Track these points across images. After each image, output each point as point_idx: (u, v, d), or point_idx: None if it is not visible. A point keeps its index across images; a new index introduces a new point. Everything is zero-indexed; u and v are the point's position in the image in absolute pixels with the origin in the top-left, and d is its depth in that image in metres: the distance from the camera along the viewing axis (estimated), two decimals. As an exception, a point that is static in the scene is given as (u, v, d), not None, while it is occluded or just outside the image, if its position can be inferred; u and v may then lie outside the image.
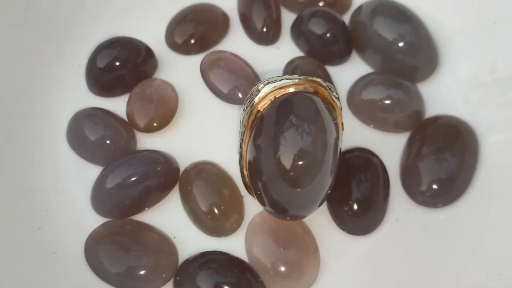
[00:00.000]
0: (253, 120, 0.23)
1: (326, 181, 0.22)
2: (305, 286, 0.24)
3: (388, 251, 0.25)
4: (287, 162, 0.21)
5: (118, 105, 0.29)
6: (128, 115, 0.28)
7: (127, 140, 0.27)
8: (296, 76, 0.23)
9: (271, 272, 0.24)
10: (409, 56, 0.29)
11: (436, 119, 0.28)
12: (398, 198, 0.26)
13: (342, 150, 0.27)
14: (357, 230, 0.25)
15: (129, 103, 0.28)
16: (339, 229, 0.26)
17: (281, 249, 0.24)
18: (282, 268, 0.24)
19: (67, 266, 0.24)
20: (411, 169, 0.26)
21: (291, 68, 0.29)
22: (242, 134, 0.24)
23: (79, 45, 0.30)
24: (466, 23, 0.29)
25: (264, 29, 0.31)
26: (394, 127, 0.28)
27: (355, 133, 0.28)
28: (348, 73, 0.30)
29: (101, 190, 0.25)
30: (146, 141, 0.28)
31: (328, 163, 0.22)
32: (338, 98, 0.24)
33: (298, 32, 0.31)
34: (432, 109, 0.28)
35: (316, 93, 0.23)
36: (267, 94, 0.23)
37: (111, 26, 0.31)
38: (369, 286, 0.24)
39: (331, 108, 0.23)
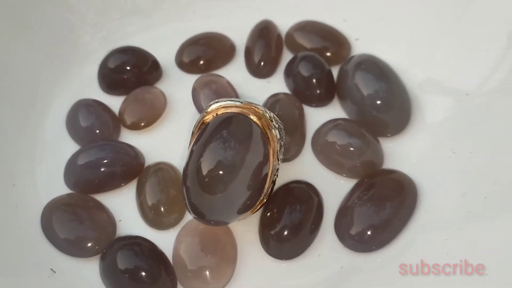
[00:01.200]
0: (195, 132, 0.26)
1: (241, 193, 0.24)
2: (213, 290, 0.26)
3: (300, 281, 0.26)
4: (205, 169, 0.24)
5: (116, 102, 0.33)
6: (120, 111, 0.32)
7: (112, 132, 0.31)
8: (239, 100, 0.26)
9: (188, 273, 0.26)
10: (381, 112, 0.30)
11: (388, 172, 0.29)
12: (329, 237, 0.28)
13: (292, 180, 0.29)
14: (277, 254, 0.27)
15: (124, 101, 0.33)
16: (262, 249, 0.27)
17: (203, 253, 0.27)
18: (198, 270, 0.26)
19: (24, 220, 0.28)
20: (346, 212, 0.28)
21: (272, 100, 0.32)
22: (190, 143, 0.27)
23: (103, 48, 0.35)
24: (442, 89, 0.30)
25: (262, 63, 0.34)
26: (348, 172, 0.30)
27: (311, 170, 0.30)
28: (325, 116, 0.32)
29: (73, 165, 0.30)
30: (128, 137, 0.32)
31: (244, 179, 0.24)
32: (278, 129, 0.26)
33: (290, 71, 0.33)
34: (391, 164, 0.30)
35: (245, 113, 0.26)
36: (213, 111, 0.26)
37: (135, 39, 0.36)
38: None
39: (265, 136, 0.26)
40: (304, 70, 0.33)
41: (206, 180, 0.24)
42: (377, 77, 0.31)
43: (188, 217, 0.29)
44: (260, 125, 0.26)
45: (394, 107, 0.30)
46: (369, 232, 0.27)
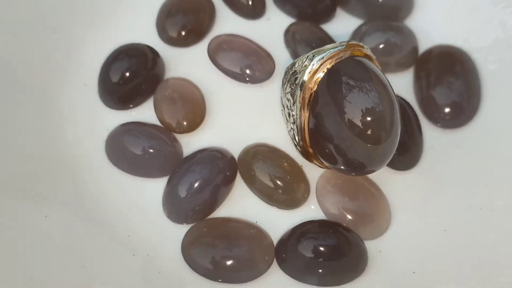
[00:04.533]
0: (310, 94, 0.24)
1: (398, 132, 0.24)
2: (385, 226, 0.27)
3: (440, 176, 0.28)
4: (359, 122, 0.22)
5: (140, 114, 0.29)
6: (161, 120, 0.28)
7: (173, 145, 0.28)
8: (338, 43, 0.25)
9: (354, 223, 0.26)
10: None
11: (430, 51, 0.31)
12: (424, 127, 0.29)
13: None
14: (403, 165, 0.28)
15: (156, 108, 0.28)
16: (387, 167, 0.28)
17: (353, 201, 0.27)
18: (361, 216, 0.26)
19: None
20: (428, 99, 0.29)
21: (290, 36, 0.31)
22: (298, 110, 0.25)
23: (79, 64, 0.29)
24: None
25: (250, 3, 0.31)
26: (396, 67, 0.31)
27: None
28: (338, 29, 0.31)
29: (176, 200, 0.26)
30: (188, 141, 0.28)
31: (397, 114, 0.24)
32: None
33: (281, -2, 0.32)
34: (423, 43, 0.31)
35: (353, 54, 0.25)
36: (319, 67, 0.24)
37: (100, 37, 0.30)
38: (441, 207, 0.27)
39: (376, 64, 0.25)
40: (298, -13, 0.31)
41: (369, 132, 0.23)
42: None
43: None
44: (368, 56, 0.25)
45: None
46: (453, 107, 0.29)
